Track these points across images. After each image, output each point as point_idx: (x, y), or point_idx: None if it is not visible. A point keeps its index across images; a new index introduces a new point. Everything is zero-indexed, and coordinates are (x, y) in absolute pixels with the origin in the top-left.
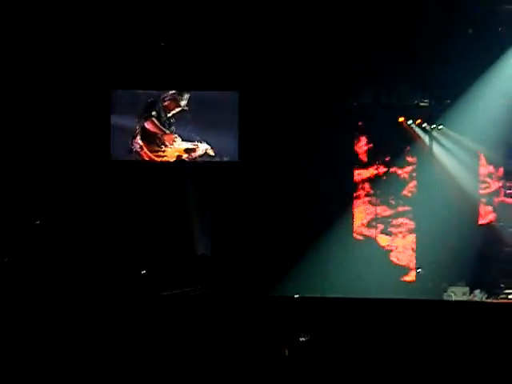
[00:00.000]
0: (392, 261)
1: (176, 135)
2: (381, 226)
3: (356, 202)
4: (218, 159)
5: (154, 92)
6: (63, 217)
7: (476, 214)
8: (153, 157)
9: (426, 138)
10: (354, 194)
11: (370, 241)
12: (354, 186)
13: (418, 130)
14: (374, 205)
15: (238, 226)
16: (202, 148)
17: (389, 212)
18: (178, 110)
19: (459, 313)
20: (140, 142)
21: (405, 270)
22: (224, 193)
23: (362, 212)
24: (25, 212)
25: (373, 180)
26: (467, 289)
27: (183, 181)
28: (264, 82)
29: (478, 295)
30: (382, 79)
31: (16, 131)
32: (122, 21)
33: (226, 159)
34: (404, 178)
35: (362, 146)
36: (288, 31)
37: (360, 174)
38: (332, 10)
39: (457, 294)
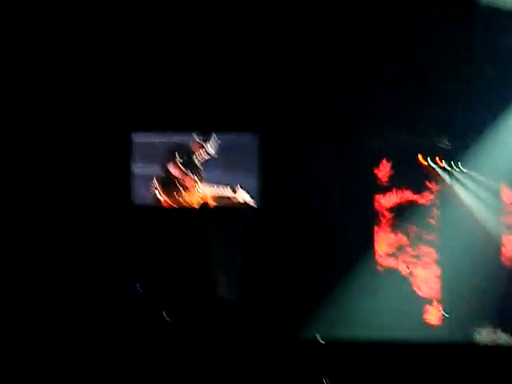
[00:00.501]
0: (415, 291)
1: (197, 180)
2: (402, 255)
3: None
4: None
5: (177, 137)
6: (85, 260)
7: (500, 253)
8: (169, 201)
9: (447, 177)
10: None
11: (393, 271)
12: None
13: (438, 169)
14: (396, 233)
15: (259, 269)
16: (240, 197)
17: (410, 241)
18: (205, 157)
19: (484, 356)
20: (157, 185)
21: (428, 301)
22: (245, 237)
23: (383, 242)
24: (46, 255)
25: (394, 208)
26: (492, 330)
27: (206, 226)
28: (284, 124)
29: (503, 337)
30: (401, 119)
31: (38, 174)
32: (144, 63)
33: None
34: (426, 207)
35: (383, 173)
36: (308, 73)
37: (381, 203)
38: (350, 51)
39: (482, 335)
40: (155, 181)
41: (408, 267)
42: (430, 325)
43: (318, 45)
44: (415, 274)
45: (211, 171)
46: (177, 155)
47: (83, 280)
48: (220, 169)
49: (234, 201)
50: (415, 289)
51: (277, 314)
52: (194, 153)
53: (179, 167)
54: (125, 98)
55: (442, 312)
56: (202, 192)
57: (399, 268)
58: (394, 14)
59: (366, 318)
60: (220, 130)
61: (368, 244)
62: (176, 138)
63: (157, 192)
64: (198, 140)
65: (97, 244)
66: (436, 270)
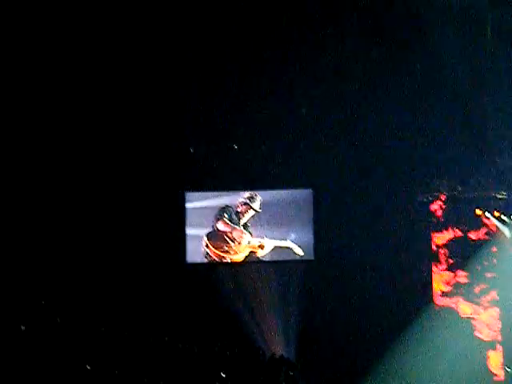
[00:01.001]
0: (476, 336)
1: (244, 231)
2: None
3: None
4: (295, 257)
5: (226, 195)
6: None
7: None
8: (219, 253)
9: (506, 230)
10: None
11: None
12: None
13: (496, 222)
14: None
15: (314, 324)
16: (287, 245)
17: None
18: (251, 213)
19: None
20: (206, 240)
21: (491, 344)
22: (300, 290)
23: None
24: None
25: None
26: None
27: (257, 280)
28: (337, 179)
29: None
30: (457, 171)
31: (101, 234)
32: (197, 123)
33: (301, 257)
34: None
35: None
36: (356, 128)
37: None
38: (400, 104)
39: None
40: (204, 237)
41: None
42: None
43: (368, 99)
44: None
45: (266, 226)
46: (224, 214)
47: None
48: (274, 224)
49: (293, 250)
50: (477, 333)
51: (334, 368)
52: (240, 212)
53: (226, 223)
54: (180, 158)
55: (505, 368)
56: (246, 243)
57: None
58: (449, 72)
59: (426, 365)
60: (274, 187)
61: (426, 289)
62: (226, 199)
63: (206, 247)
64: (243, 200)
65: (153, 299)
66: (497, 312)
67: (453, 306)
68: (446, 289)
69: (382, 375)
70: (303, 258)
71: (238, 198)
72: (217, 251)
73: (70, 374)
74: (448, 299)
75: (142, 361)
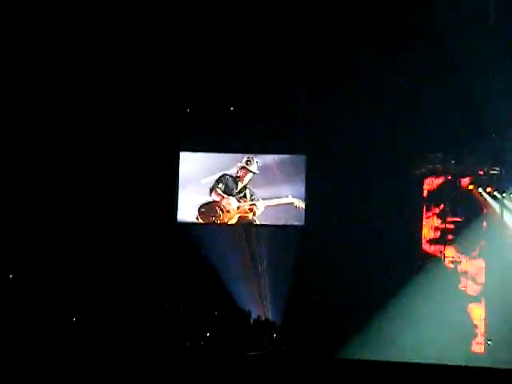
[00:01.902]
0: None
1: (232, 199)
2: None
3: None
4: (283, 223)
5: (226, 157)
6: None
7: None
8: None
9: (497, 206)
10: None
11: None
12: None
13: (488, 198)
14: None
15: (302, 288)
16: (289, 201)
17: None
18: (249, 176)
19: None
20: (197, 213)
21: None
22: (289, 256)
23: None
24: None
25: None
26: None
27: (248, 242)
28: (330, 146)
29: None
30: (450, 147)
31: (88, 193)
32: (194, 86)
33: (290, 223)
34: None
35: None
36: (353, 97)
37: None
38: (394, 78)
39: None
40: (196, 210)
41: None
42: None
43: (366, 68)
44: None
45: (263, 188)
46: (219, 184)
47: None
48: (270, 185)
49: (296, 204)
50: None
51: (320, 334)
52: (239, 177)
53: (218, 193)
54: (177, 119)
55: (486, 341)
56: (241, 209)
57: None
58: (448, 48)
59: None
60: (269, 152)
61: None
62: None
63: (196, 218)
64: (240, 164)
65: (143, 257)
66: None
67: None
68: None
69: (367, 335)
70: (294, 223)
71: (232, 160)
72: (206, 220)
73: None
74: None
75: (128, 318)
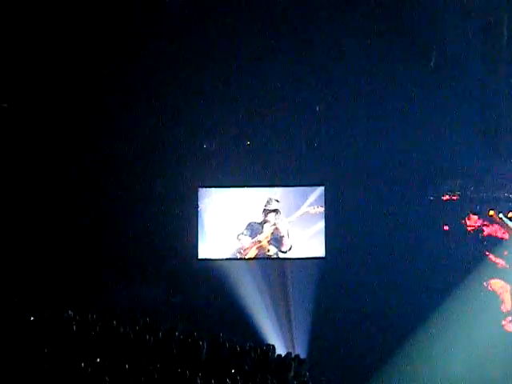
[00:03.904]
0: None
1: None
2: None
3: None
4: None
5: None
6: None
7: None
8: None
9: None
10: None
11: None
12: None
13: (509, 223)
14: None
15: (326, 321)
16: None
17: None
18: (272, 214)
19: None
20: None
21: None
22: (311, 288)
23: None
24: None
25: None
26: None
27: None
28: (348, 177)
29: None
30: (468, 172)
31: (118, 233)
32: (212, 122)
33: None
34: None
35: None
36: (370, 126)
37: None
38: (416, 104)
39: None
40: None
41: None
42: None
43: (383, 98)
44: None
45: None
46: (244, 230)
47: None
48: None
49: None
50: None
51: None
52: (263, 221)
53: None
54: (195, 155)
55: None
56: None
57: None
58: (466, 74)
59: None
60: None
61: None
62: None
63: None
64: (262, 209)
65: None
66: None
67: None
68: None
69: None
70: (314, 256)
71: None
72: None
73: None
74: None
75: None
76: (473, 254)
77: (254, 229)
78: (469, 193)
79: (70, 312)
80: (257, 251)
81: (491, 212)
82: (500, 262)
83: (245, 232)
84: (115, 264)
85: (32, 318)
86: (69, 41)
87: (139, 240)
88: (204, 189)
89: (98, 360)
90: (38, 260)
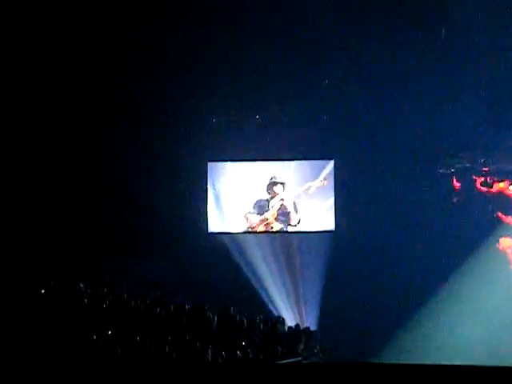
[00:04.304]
0: None
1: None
2: None
3: None
4: (313, 229)
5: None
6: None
7: None
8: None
9: None
10: None
11: None
12: None
13: None
14: None
15: (336, 293)
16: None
17: None
18: (280, 187)
19: None
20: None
21: None
22: (321, 261)
23: None
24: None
25: None
26: None
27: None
28: (358, 151)
29: None
30: (480, 144)
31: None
32: (220, 95)
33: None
34: None
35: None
36: (380, 99)
37: None
38: (426, 77)
39: None
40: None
41: None
42: None
43: (393, 71)
44: None
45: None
46: (252, 208)
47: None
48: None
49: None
50: None
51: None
52: (269, 198)
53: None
54: (203, 129)
55: None
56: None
57: None
58: (476, 50)
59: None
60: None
61: None
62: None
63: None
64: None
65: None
66: None
67: None
68: None
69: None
70: (323, 229)
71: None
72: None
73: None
74: None
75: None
76: (483, 223)
77: (261, 206)
78: (478, 166)
79: (81, 285)
80: (264, 228)
81: (502, 184)
82: (510, 220)
83: (252, 210)
84: (126, 239)
85: (43, 291)
86: (71, 39)
87: (149, 214)
88: (213, 163)
89: (110, 332)
90: (48, 234)
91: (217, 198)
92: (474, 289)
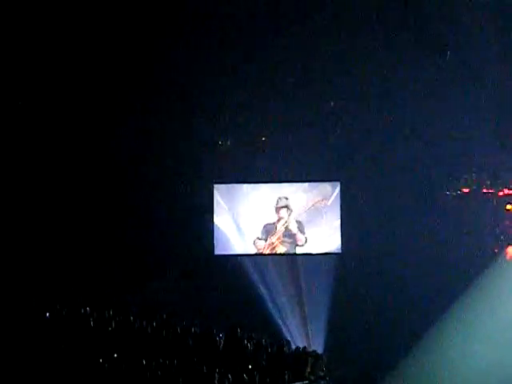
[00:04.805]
0: None
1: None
2: None
3: None
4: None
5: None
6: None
7: None
8: None
9: None
10: None
11: None
12: None
13: None
14: None
15: (343, 316)
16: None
17: None
18: (284, 214)
19: None
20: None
21: None
22: (327, 283)
23: None
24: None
25: None
26: None
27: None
28: (365, 173)
29: None
30: (484, 166)
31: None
32: (228, 118)
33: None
34: None
35: None
36: (386, 120)
37: None
38: (432, 100)
39: None
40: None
41: None
42: None
43: (399, 93)
44: None
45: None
46: (260, 233)
47: None
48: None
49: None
50: None
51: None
52: (276, 221)
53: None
54: (210, 151)
55: None
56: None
57: None
58: (483, 69)
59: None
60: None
61: None
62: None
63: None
64: (276, 206)
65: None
66: None
67: None
68: None
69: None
70: (330, 252)
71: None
72: None
73: None
74: None
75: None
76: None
77: (267, 230)
78: (484, 187)
79: (87, 308)
80: (269, 251)
81: (509, 206)
82: None
83: (260, 236)
84: (132, 261)
85: (48, 315)
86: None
87: (156, 237)
88: (220, 185)
89: (116, 355)
90: (54, 257)
91: (223, 220)
92: (484, 310)
